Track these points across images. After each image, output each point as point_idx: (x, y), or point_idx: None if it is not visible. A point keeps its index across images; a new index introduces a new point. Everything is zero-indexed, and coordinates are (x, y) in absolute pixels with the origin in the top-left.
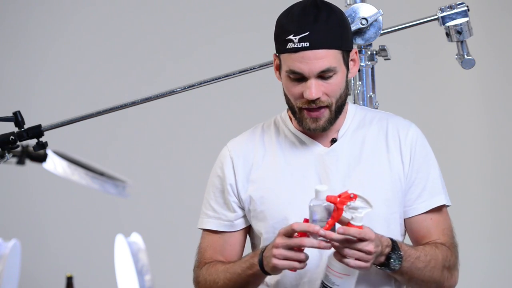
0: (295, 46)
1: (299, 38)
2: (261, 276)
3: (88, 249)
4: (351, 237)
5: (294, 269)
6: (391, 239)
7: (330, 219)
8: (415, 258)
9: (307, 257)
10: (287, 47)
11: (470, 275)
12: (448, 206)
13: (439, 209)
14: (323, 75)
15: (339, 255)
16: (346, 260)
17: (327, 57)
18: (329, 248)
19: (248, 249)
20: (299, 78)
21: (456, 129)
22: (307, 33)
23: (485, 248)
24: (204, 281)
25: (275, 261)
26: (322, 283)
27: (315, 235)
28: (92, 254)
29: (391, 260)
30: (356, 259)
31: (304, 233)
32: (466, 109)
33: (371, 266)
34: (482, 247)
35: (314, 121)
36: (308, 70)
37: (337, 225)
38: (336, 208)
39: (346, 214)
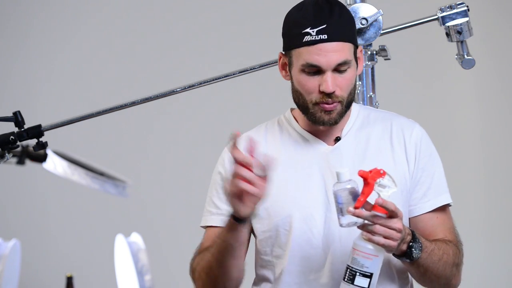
0: (312, 38)
1: (317, 31)
2: (237, 229)
3: (88, 249)
4: (379, 214)
5: (250, 192)
6: (410, 229)
7: (360, 196)
8: (431, 250)
9: (249, 175)
10: (304, 40)
11: (466, 274)
12: (450, 205)
13: (443, 208)
14: (338, 68)
15: (368, 235)
16: (376, 238)
17: (344, 50)
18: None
19: (252, 250)
20: (315, 71)
21: (455, 129)
22: (324, 26)
23: (481, 248)
24: (196, 265)
25: (230, 189)
26: (349, 268)
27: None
28: (92, 254)
29: (413, 249)
30: (385, 237)
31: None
32: (465, 109)
33: (396, 249)
34: (478, 247)
35: (327, 114)
36: (326, 63)
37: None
38: (367, 183)
39: (373, 193)
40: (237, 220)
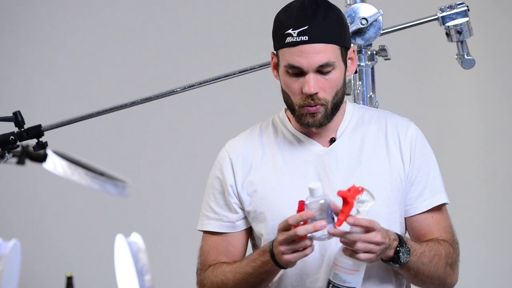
0: (294, 40)
1: (298, 32)
2: (277, 271)
3: (88, 249)
4: (356, 230)
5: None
6: (397, 234)
7: (340, 215)
8: (421, 252)
9: (312, 241)
10: (286, 42)
11: (466, 274)
12: (446, 204)
13: (439, 207)
14: (321, 70)
15: (349, 251)
16: (356, 255)
17: (326, 52)
18: (324, 227)
19: (249, 250)
20: (298, 73)
21: (455, 129)
22: (306, 27)
23: (481, 247)
24: (210, 283)
25: (286, 257)
26: (331, 283)
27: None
28: (92, 254)
29: (400, 254)
30: (365, 252)
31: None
32: (465, 109)
33: (378, 259)
34: (478, 247)
35: (311, 116)
36: (307, 64)
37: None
38: (347, 202)
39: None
40: (280, 266)
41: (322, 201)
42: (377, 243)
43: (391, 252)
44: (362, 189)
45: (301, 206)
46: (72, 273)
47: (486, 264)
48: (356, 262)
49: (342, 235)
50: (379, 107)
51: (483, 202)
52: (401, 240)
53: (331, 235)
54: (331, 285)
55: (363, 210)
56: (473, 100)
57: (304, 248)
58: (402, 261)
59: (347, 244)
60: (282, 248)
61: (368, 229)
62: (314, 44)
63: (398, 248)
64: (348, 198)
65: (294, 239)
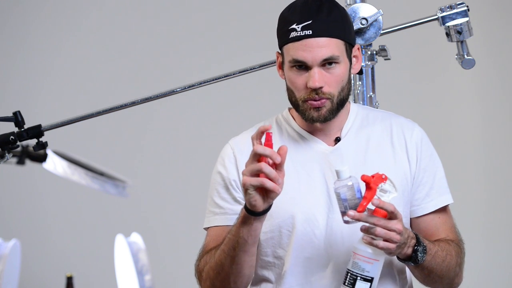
0: (298, 34)
1: (302, 27)
2: (252, 224)
3: (88, 249)
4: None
5: (266, 185)
6: (414, 232)
7: (363, 200)
8: (435, 252)
9: (271, 171)
10: (290, 37)
11: (466, 274)
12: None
13: (444, 207)
14: (326, 64)
15: (369, 238)
16: (375, 241)
17: (330, 46)
18: (278, 161)
19: None
20: (302, 68)
21: (454, 129)
22: (309, 22)
23: (481, 247)
24: (204, 265)
25: (245, 178)
26: (349, 272)
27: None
28: (92, 254)
29: (418, 253)
30: (385, 239)
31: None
32: (465, 109)
33: (397, 252)
34: (478, 247)
35: (316, 110)
36: (311, 58)
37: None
38: (370, 188)
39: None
40: (252, 214)
41: (350, 183)
42: (398, 232)
43: (409, 251)
44: (386, 178)
45: (268, 136)
46: (72, 273)
47: (486, 264)
48: (376, 251)
49: (365, 219)
50: (379, 107)
51: (483, 202)
52: (418, 238)
53: (353, 218)
54: (349, 274)
55: (385, 200)
56: (473, 100)
57: (263, 175)
58: (420, 260)
59: (367, 231)
60: (245, 171)
61: (391, 216)
62: (318, 38)
63: (416, 247)
64: (371, 183)
65: (258, 173)
